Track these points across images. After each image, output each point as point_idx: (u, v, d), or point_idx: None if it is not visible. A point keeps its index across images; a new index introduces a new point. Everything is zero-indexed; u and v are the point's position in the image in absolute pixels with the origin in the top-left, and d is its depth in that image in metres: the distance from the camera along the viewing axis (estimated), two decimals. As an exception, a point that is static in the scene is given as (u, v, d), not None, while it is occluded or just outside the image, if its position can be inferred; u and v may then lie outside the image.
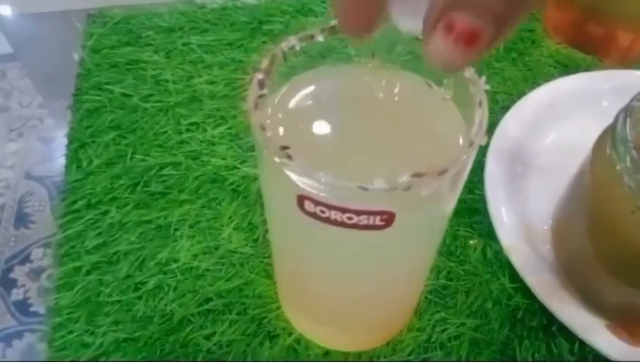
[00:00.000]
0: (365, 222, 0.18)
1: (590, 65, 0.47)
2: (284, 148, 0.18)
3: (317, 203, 0.18)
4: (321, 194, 0.18)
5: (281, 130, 0.21)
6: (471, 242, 0.35)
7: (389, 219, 0.18)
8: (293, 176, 0.18)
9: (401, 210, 0.18)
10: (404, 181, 0.17)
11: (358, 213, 0.18)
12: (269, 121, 0.20)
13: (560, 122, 0.41)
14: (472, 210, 0.36)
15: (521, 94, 0.41)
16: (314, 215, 0.19)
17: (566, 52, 0.48)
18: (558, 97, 0.41)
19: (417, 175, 0.17)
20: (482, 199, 0.36)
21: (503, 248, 0.33)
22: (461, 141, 0.20)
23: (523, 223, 0.34)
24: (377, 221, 0.18)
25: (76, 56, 0.46)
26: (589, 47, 0.48)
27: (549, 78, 0.43)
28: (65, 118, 0.44)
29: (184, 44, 0.47)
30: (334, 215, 0.18)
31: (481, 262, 0.34)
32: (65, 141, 0.41)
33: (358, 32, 0.16)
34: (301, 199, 0.19)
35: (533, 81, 0.45)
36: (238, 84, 0.44)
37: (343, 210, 0.18)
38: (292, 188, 0.19)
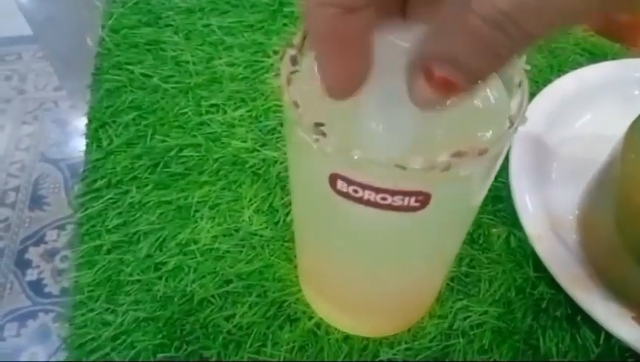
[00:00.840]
0: (399, 202, 0.18)
1: (617, 53, 0.46)
2: (319, 125, 0.17)
3: (350, 182, 0.18)
4: (355, 172, 0.18)
5: (311, 107, 0.20)
6: (494, 230, 0.35)
7: (424, 200, 0.18)
8: (327, 155, 0.17)
9: (437, 191, 0.18)
10: (443, 160, 0.16)
11: (393, 193, 0.17)
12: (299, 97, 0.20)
13: (587, 110, 0.40)
14: (495, 198, 0.36)
15: (547, 82, 0.40)
16: (346, 195, 0.18)
17: (593, 40, 0.47)
18: (585, 85, 0.40)
19: (457, 154, 0.16)
20: (505, 187, 0.35)
21: (528, 237, 0.32)
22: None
23: (548, 212, 0.34)
24: (412, 202, 0.18)
25: (90, 41, 0.46)
26: (617, 36, 0.47)
27: (576, 65, 0.42)
28: (82, 99, 0.44)
29: (204, 26, 0.46)
30: (368, 195, 0.18)
31: (505, 251, 0.34)
32: (80, 124, 0.42)
33: (344, 95, 0.17)
34: (334, 178, 0.18)
35: (559, 69, 0.44)
36: (259, 67, 0.44)
37: (378, 190, 0.18)
38: (324, 167, 0.18)
